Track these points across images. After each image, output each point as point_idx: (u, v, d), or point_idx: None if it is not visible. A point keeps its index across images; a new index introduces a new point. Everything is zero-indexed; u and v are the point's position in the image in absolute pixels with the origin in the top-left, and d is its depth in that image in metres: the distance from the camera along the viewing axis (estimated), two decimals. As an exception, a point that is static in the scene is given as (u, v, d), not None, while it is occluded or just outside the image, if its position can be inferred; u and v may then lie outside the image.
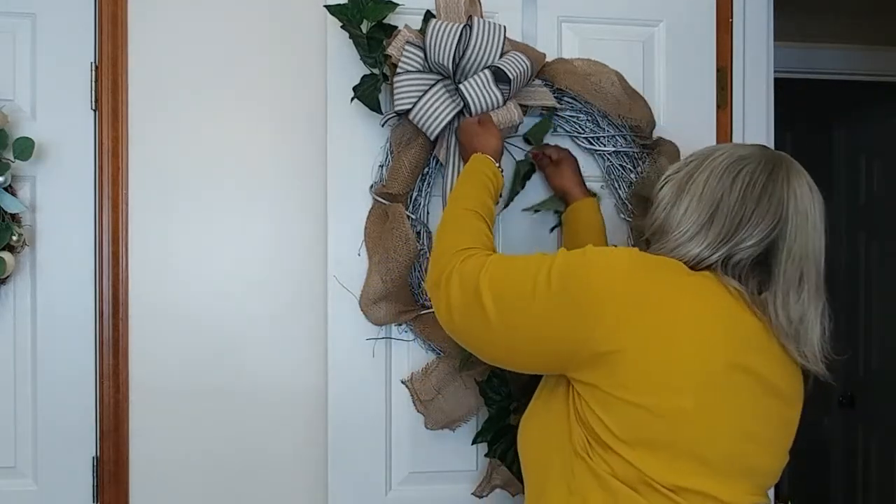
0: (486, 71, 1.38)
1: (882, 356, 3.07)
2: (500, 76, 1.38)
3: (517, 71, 1.38)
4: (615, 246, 1.07)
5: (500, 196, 1.34)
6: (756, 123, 1.71)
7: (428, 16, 1.42)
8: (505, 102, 1.40)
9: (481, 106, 1.38)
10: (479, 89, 1.37)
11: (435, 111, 1.37)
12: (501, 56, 1.39)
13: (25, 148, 1.45)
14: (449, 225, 1.22)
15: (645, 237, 1.14)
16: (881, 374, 3.08)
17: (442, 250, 1.18)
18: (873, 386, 3.12)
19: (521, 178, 1.50)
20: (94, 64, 1.56)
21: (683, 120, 1.58)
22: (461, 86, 1.38)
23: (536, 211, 1.52)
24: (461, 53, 1.37)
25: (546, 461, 1.08)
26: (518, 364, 1.14)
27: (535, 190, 1.53)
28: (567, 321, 1.00)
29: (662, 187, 1.10)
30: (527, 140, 1.51)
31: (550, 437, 1.07)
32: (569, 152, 1.48)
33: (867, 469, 3.15)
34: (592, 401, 1.01)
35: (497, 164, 1.30)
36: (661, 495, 0.97)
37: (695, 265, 1.04)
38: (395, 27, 1.42)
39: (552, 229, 1.54)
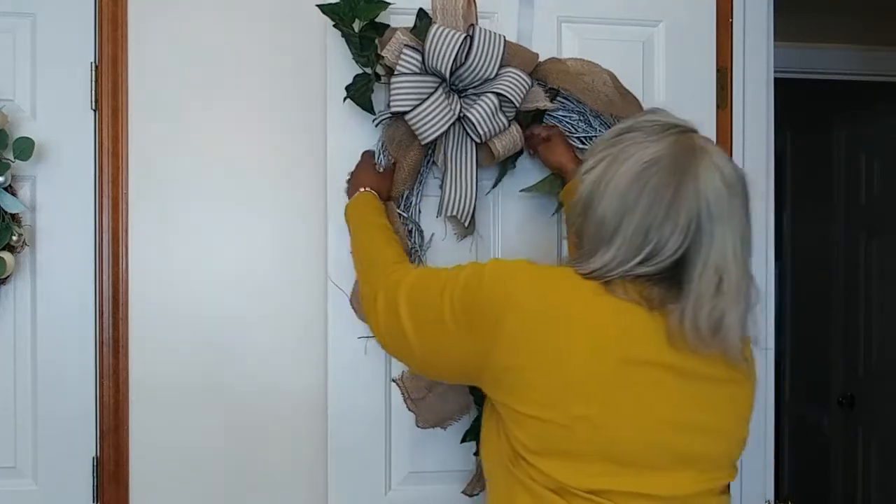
0: (492, 96, 1.38)
1: (882, 356, 3.08)
2: (504, 99, 1.39)
3: (521, 95, 1.40)
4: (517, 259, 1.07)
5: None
6: (756, 123, 1.71)
7: (421, 14, 1.42)
8: (509, 125, 1.41)
9: (488, 132, 1.39)
10: (487, 117, 1.38)
11: (433, 119, 1.37)
12: (501, 66, 1.40)
13: (25, 148, 1.45)
14: (369, 239, 1.28)
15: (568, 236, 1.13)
16: (881, 374, 3.08)
17: (370, 264, 1.23)
18: (873, 386, 3.12)
19: (511, 158, 1.49)
20: (94, 64, 1.56)
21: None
22: (468, 113, 1.38)
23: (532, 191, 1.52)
24: (460, 63, 1.38)
25: (492, 473, 1.10)
26: (443, 378, 1.18)
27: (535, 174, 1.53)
28: (471, 340, 1.02)
29: (578, 187, 1.06)
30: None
31: (490, 449, 1.09)
32: (558, 128, 1.48)
33: (867, 469, 3.15)
34: (505, 415, 1.03)
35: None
36: (583, 499, 0.97)
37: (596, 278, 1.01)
38: (387, 25, 1.42)
39: (553, 213, 1.55)
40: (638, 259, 0.98)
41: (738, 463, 1.10)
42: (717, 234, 0.97)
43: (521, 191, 1.52)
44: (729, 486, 1.08)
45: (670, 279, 0.98)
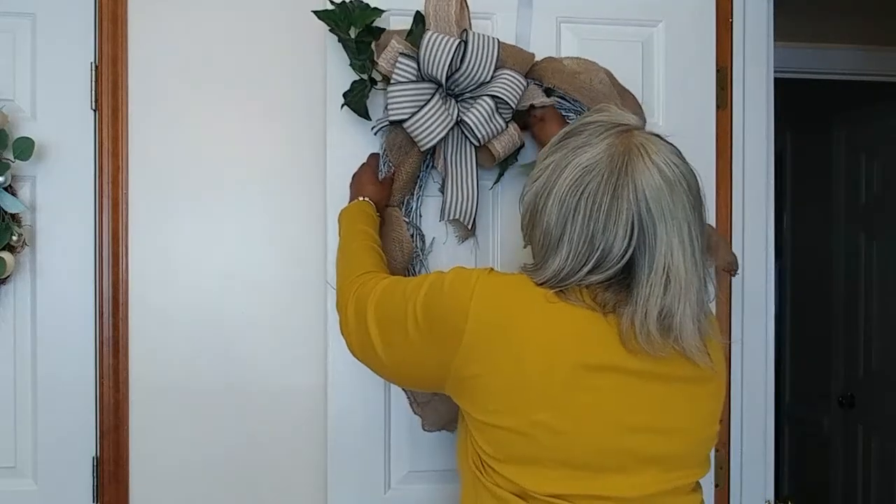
0: (488, 98, 1.39)
1: (882, 356, 3.08)
2: (500, 101, 1.40)
3: (517, 96, 1.40)
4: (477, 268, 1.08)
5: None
6: (756, 123, 1.71)
7: (417, 17, 1.42)
8: (507, 126, 1.42)
9: (486, 135, 1.40)
10: (484, 120, 1.39)
11: (431, 125, 1.37)
12: (496, 69, 1.40)
13: (25, 148, 1.45)
14: (353, 247, 1.30)
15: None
16: (881, 374, 3.08)
17: (346, 274, 1.24)
18: (873, 386, 3.13)
19: (511, 156, 1.49)
20: (94, 64, 1.56)
21: (683, 120, 1.58)
22: (465, 117, 1.39)
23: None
24: (455, 68, 1.38)
25: (463, 478, 1.10)
26: (414, 387, 1.19)
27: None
28: (433, 350, 1.03)
29: (525, 195, 1.06)
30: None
31: (461, 456, 1.10)
32: (555, 110, 1.46)
33: (867, 469, 3.15)
34: (469, 424, 1.04)
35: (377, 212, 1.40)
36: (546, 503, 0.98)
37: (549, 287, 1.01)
38: (384, 30, 1.43)
39: None
40: (588, 268, 0.97)
41: (711, 459, 1.11)
42: (661, 233, 0.95)
43: (522, 165, 1.50)
44: (720, 482, 1.08)
45: (622, 282, 0.98)
